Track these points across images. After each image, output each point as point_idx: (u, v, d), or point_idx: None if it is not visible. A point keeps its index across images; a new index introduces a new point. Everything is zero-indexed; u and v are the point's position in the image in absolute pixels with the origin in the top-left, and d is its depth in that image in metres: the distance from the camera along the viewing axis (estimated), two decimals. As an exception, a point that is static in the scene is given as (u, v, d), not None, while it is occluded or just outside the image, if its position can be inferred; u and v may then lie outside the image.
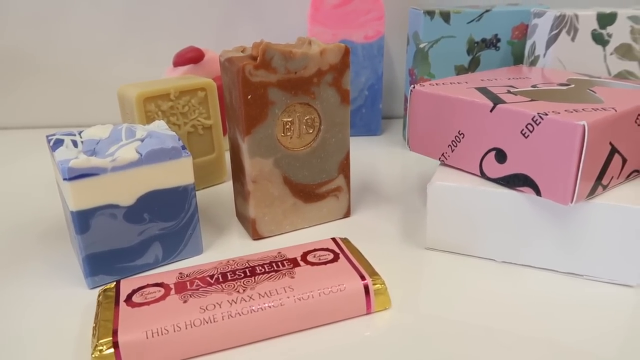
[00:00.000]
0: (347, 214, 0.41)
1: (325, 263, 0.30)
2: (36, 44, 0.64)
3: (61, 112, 0.67)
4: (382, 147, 0.57)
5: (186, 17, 0.63)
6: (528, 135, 0.30)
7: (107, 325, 0.26)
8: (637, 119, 0.30)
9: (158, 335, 0.25)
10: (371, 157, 0.54)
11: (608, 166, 0.30)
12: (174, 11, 0.63)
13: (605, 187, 0.30)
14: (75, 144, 0.33)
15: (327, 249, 0.32)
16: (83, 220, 0.30)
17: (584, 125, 0.27)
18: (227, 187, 0.47)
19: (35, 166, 0.53)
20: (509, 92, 0.34)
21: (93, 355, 0.24)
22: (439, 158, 0.36)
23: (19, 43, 0.63)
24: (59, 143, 0.33)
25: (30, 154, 0.57)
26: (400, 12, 0.61)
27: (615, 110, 0.29)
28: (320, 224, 0.40)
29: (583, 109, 0.29)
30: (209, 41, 0.62)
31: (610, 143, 0.29)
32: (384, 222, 0.40)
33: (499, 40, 0.51)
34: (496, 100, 0.32)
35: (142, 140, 0.33)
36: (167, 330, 0.25)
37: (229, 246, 0.37)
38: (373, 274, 0.29)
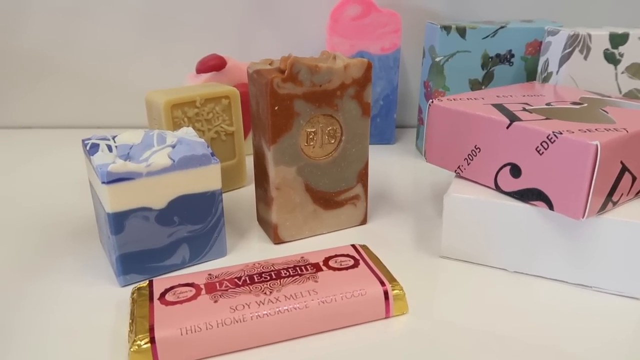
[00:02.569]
0: (363, 221, 0.42)
1: (346, 268, 0.32)
2: (59, 46, 0.66)
3: (86, 113, 0.69)
4: (395, 156, 0.58)
5: (207, 24, 0.65)
6: (543, 152, 0.31)
7: (143, 321, 0.27)
8: (647, 139, 0.32)
9: (191, 332, 0.27)
10: (385, 165, 0.55)
11: (618, 184, 0.31)
12: (195, 17, 0.65)
13: (615, 204, 0.32)
14: (110, 148, 0.35)
15: (347, 255, 0.33)
16: (118, 221, 0.32)
17: (597, 145, 0.29)
18: (247, 192, 0.49)
19: (62, 165, 0.55)
20: (524, 109, 0.36)
21: (132, 350, 0.26)
22: (455, 170, 0.38)
23: (42, 45, 0.65)
24: (95, 147, 0.35)
25: (57, 152, 0.59)
26: (416, 26, 0.62)
27: (627, 131, 0.30)
28: (338, 230, 0.41)
29: (596, 129, 0.31)
30: (228, 48, 0.64)
31: (621, 162, 0.31)
32: (399, 230, 0.41)
33: (512, 55, 0.53)
34: (512, 118, 0.34)
35: (173, 147, 0.35)
36: (200, 328, 0.27)
37: (251, 249, 0.39)
38: (392, 280, 0.31)
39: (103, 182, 0.31)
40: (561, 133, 0.30)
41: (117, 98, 0.68)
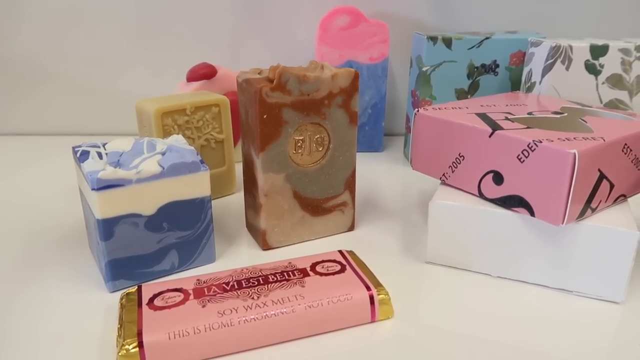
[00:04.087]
0: (351, 228, 0.43)
1: (333, 274, 0.32)
2: (50, 53, 0.66)
3: (77, 120, 0.69)
4: (383, 164, 0.59)
5: (198, 33, 0.66)
6: (524, 160, 0.32)
7: (131, 326, 0.28)
8: (624, 148, 0.33)
9: (179, 336, 0.27)
10: (373, 173, 0.56)
11: (597, 191, 0.32)
12: (187, 27, 0.65)
13: (594, 210, 0.33)
14: (100, 155, 0.35)
15: (334, 261, 0.34)
16: (108, 227, 0.32)
17: (574, 153, 0.29)
18: (236, 198, 0.49)
19: (53, 172, 0.55)
20: (507, 118, 0.37)
21: (119, 354, 0.26)
22: (440, 178, 0.39)
23: (33, 52, 0.66)
24: (85, 155, 0.35)
25: (48, 160, 0.59)
26: (404, 36, 0.64)
27: (604, 140, 0.31)
28: (325, 236, 0.42)
29: (574, 138, 0.32)
30: (219, 57, 0.65)
31: (599, 170, 0.32)
32: (386, 236, 0.42)
33: (497, 66, 0.54)
34: (495, 127, 0.34)
35: (163, 154, 0.35)
36: (188, 333, 0.27)
37: (240, 255, 0.39)
38: (378, 285, 0.32)
39: (93, 189, 0.31)
40: (541, 142, 0.31)
41: (109, 106, 0.68)
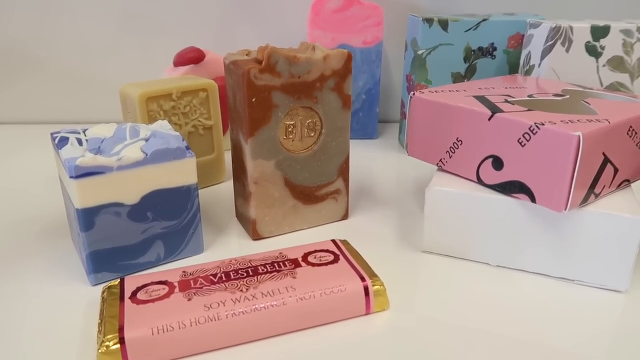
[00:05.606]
0: (345, 216, 0.41)
1: (325, 264, 0.31)
2: (37, 41, 0.64)
3: (61, 108, 0.67)
4: (378, 151, 0.58)
5: (186, 16, 0.63)
6: (525, 144, 0.31)
7: (112, 321, 0.26)
8: (629, 130, 0.32)
9: (163, 332, 0.26)
10: (368, 160, 0.55)
11: (600, 175, 0.31)
12: (175, 10, 0.63)
13: (597, 196, 0.31)
14: (80, 142, 0.33)
15: (327, 250, 0.32)
16: (88, 217, 0.31)
17: (579, 136, 0.28)
18: (226, 187, 0.48)
19: (35, 162, 0.53)
20: (506, 101, 0.35)
21: (99, 351, 0.25)
22: (437, 163, 0.37)
23: (20, 39, 0.63)
24: (64, 141, 0.33)
25: (30, 149, 0.57)
26: (398, 19, 0.62)
27: (609, 122, 0.30)
28: (318, 225, 0.40)
29: (578, 120, 0.30)
30: (208, 41, 0.63)
31: (603, 153, 0.30)
32: (380, 225, 0.41)
33: (495, 49, 0.52)
34: (494, 109, 0.33)
35: (147, 140, 0.34)
36: (172, 327, 0.26)
37: (229, 246, 0.38)
38: (372, 275, 0.30)
39: (71, 177, 0.30)
40: (543, 124, 0.30)
41: (95, 93, 0.66)
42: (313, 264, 0.31)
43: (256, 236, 0.38)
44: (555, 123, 0.30)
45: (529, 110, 0.33)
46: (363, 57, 0.57)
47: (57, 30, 0.63)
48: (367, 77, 0.58)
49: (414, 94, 0.38)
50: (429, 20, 0.51)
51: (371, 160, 0.55)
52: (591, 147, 0.29)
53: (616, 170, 0.32)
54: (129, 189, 0.32)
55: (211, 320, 0.26)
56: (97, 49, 0.65)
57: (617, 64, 0.46)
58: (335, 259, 0.31)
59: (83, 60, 0.65)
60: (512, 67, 0.53)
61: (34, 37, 0.63)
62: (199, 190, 0.47)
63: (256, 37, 0.64)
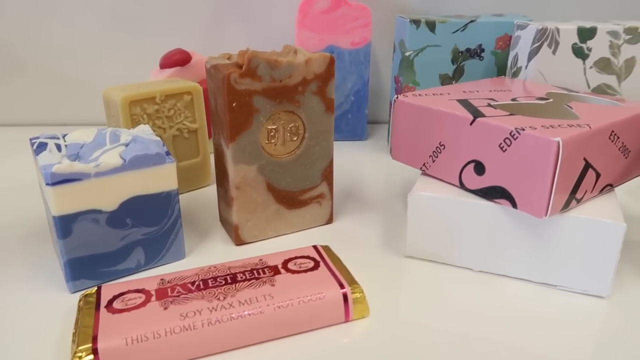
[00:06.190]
0: (329, 221, 0.41)
1: (305, 271, 0.31)
2: (23, 42, 0.63)
3: (47, 111, 0.66)
4: (367, 153, 0.57)
5: (175, 18, 0.63)
6: (506, 149, 0.31)
7: (87, 331, 0.26)
8: (611, 135, 0.31)
9: (138, 342, 0.25)
10: (356, 162, 0.54)
11: (582, 181, 0.31)
12: (163, 12, 0.63)
13: (579, 201, 0.31)
14: (59, 147, 0.33)
15: (308, 257, 0.32)
16: (65, 225, 0.30)
17: (558, 142, 0.28)
18: (211, 191, 0.47)
19: (17, 165, 0.53)
20: (489, 105, 0.35)
21: (72, 362, 0.25)
22: (421, 168, 0.37)
23: (5, 40, 0.63)
24: (42, 147, 0.33)
25: (13, 152, 0.57)
26: (387, 20, 0.61)
27: (590, 127, 0.30)
28: (302, 230, 0.40)
29: (559, 125, 0.30)
30: (196, 43, 0.62)
31: (585, 159, 0.30)
32: (366, 229, 0.40)
33: (483, 50, 0.52)
34: (476, 114, 0.33)
35: (127, 145, 0.33)
36: (147, 337, 0.26)
37: (212, 251, 0.37)
38: (352, 282, 0.30)
39: (47, 184, 0.29)
40: (523, 129, 0.30)
41: (83, 95, 0.66)
42: (293, 271, 0.31)
43: (239, 241, 0.38)
44: (536, 128, 0.30)
45: (511, 114, 0.33)
46: (351, 58, 0.57)
47: (44, 31, 0.63)
48: (356, 79, 0.58)
49: (397, 97, 0.37)
50: (416, 22, 0.51)
51: (360, 162, 0.54)
52: (571, 152, 0.29)
53: (598, 175, 0.32)
54: (107, 196, 0.31)
55: (187, 329, 0.26)
56: (85, 50, 0.64)
57: (604, 65, 0.46)
58: (316, 266, 0.31)
59: (71, 62, 0.64)
60: (501, 69, 0.53)
61: (21, 39, 0.63)
62: (184, 194, 0.47)
63: (245, 39, 0.64)
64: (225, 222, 0.40)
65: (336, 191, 0.47)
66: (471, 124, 0.32)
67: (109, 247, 0.33)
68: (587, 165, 0.30)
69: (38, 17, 0.62)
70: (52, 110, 0.67)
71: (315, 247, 0.34)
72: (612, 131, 0.31)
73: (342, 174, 0.51)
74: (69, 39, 0.63)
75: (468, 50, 0.52)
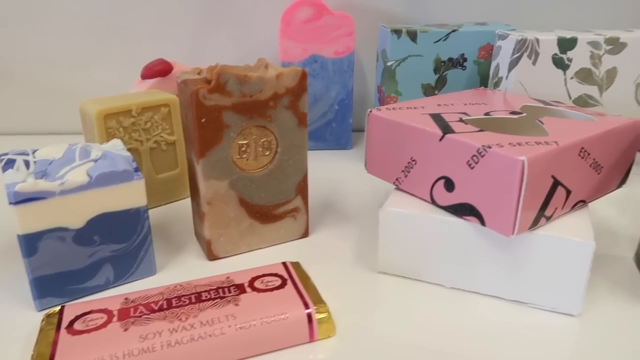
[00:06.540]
0: (305, 234, 0.41)
1: (272, 289, 0.30)
2: (3, 51, 0.63)
3: (28, 120, 0.66)
4: (351, 162, 0.57)
5: (159, 28, 0.63)
6: (473, 167, 0.30)
7: (44, 353, 0.26)
8: (581, 152, 0.31)
9: (95, 365, 0.25)
10: (339, 172, 0.54)
11: (551, 198, 0.30)
12: (148, 22, 0.63)
13: (548, 218, 0.31)
14: (27, 164, 0.33)
15: (275, 274, 0.32)
16: (30, 243, 0.30)
17: (523, 161, 0.27)
18: (189, 203, 0.47)
19: None
20: (460, 120, 0.34)
21: (27, 386, 0.24)
22: (394, 182, 0.37)
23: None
24: (10, 164, 0.33)
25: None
26: (370, 28, 0.61)
27: (557, 145, 0.29)
28: (277, 244, 0.40)
29: (527, 143, 0.30)
30: (181, 53, 0.62)
31: (553, 176, 0.30)
32: (341, 243, 0.40)
33: (465, 59, 0.52)
34: (446, 130, 0.32)
35: (96, 162, 0.33)
36: (104, 360, 0.25)
37: (184, 266, 0.37)
38: (318, 301, 0.30)
39: (11, 203, 0.29)
40: (490, 147, 0.29)
41: (65, 106, 0.65)
42: (259, 290, 0.30)
43: (212, 257, 0.38)
44: (502, 146, 0.29)
45: (480, 130, 0.32)
46: (335, 67, 0.57)
47: (26, 40, 0.63)
48: (340, 88, 0.58)
49: (370, 111, 0.37)
50: (397, 32, 0.50)
51: (342, 172, 0.54)
52: (538, 170, 0.28)
53: (569, 192, 0.31)
54: (74, 214, 0.31)
55: (145, 351, 0.26)
56: (68, 60, 0.64)
57: (585, 76, 0.46)
58: (282, 284, 0.31)
59: (52, 71, 0.64)
60: (483, 78, 0.53)
61: (6, 49, 0.63)
62: (162, 207, 0.47)
63: (230, 49, 0.64)
64: (199, 236, 0.39)
65: (316, 202, 0.47)
66: (440, 140, 0.32)
67: (77, 265, 0.32)
68: (556, 183, 0.30)
69: (17, 26, 0.62)
70: (32, 120, 0.66)
71: (284, 264, 0.33)
72: (582, 148, 0.31)
73: (324, 184, 0.51)
74: (50, 48, 0.63)
75: (450, 59, 0.52)
